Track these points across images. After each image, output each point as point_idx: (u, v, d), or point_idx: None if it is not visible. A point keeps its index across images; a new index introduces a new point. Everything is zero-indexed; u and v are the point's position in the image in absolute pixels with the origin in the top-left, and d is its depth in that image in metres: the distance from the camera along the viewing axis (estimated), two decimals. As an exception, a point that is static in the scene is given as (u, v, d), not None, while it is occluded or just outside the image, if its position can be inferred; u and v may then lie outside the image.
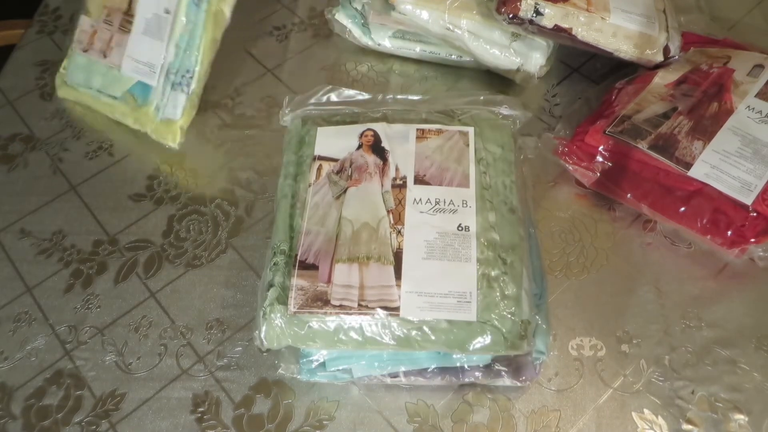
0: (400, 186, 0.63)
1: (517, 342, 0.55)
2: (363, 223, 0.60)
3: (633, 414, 0.60)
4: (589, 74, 0.85)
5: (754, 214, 0.64)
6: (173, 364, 0.65)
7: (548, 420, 0.60)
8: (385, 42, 0.87)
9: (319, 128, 0.68)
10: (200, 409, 0.62)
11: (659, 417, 0.59)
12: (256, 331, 0.57)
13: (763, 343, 0.63)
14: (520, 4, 0.73)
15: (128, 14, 0.80)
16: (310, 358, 0.60)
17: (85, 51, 0.82)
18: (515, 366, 0.59)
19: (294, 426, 0.61)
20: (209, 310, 0.68)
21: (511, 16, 0.74)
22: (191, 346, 0.66)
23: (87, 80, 0.82)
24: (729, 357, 0.62)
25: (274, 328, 0.56)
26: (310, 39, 0.93)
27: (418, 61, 0.89)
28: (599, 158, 0.71)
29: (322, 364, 0.60)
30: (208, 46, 0.77)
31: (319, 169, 0.65)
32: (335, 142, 0.67)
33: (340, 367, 0.60)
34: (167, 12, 0.77)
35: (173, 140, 0.79)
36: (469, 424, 0.60)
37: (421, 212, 0.61)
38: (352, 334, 0.56)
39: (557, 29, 0.75)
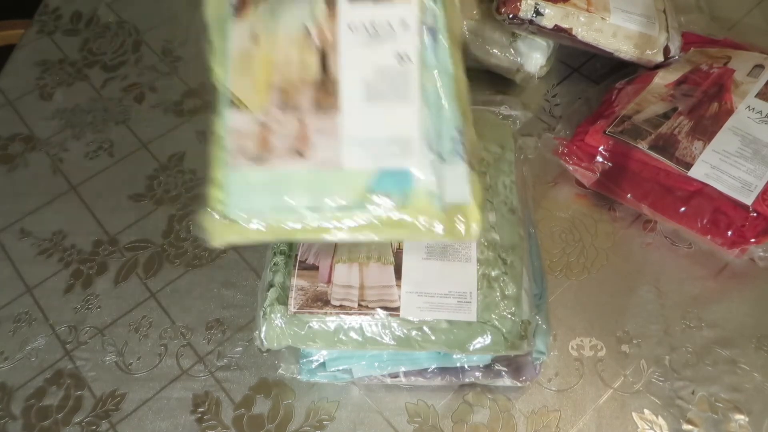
0: None
1: (517, 342, 0.55)
2: None
3: (633, 414, 0.60)
4: (589, 74, 0.85)
5: (755, 215, 0.64)
6: (173, 365, 0.65)
7: (548, 420, 0.60)
8: (385, 42, 0.87)
9: None
10: (200, 410, 0.62)
11: (659, 417, 0.59)
12: (256, 332, 0.57)
13: (763, 343, 0.63)
14: (520, 5, 0.73)
15: (325, 83, 0.52)
16: (310, 359, 0.60)
17: (259, 161, 0.52)
18: (515, 366, 0.59)
19: (294, 426, 0.61)
20: (209, 310, 0.68)
21: (511, 16, 0.74)
22: (191, 347, 0.66)
23: (276, 201, 0.52)
24: (729, 357, 0.62)
25: (274, 328, 0.56)
26: (310, 39, 0.93)
27: (418, 61, 0.88)
28: (599, 158, 0.71)
29: (322, 365, 0.60)
30: (463, 87, 0.53)
31: None
32: None
33: (340, 367, 0.60)
34: (404, 58, 0.51)
35: (473, 230, 0.51)
36: (469, 424, 0.60)
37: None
38: (352, 335, 0.56)
39: (557, 29, 0.75)
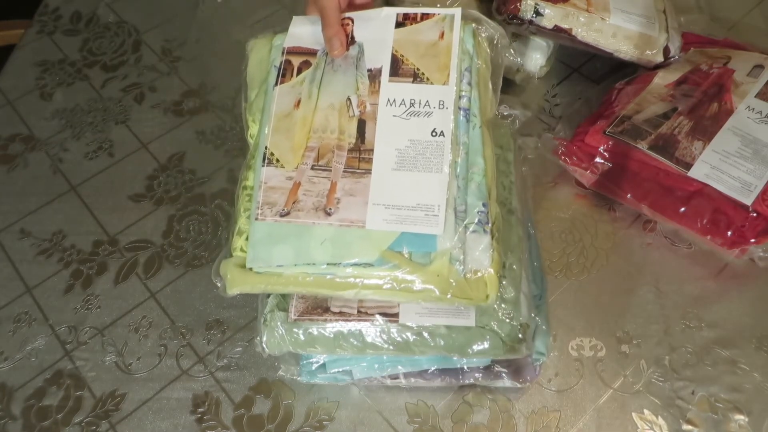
0: None
1: (515, 346, 0.55)
2: None
3: (633, 414, 0.60)
4: (589, 74, 0.85)
5: (754, 215, 0.64)
6: (173, 365, 0.65)
7: (548, 420, 0.60)
8: (385, 42, 0.87)
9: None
10: (200, 410, 0.62)
11: (659, 417, 0.59)
12: (258, 338, 0.57)
13: (763, 343, 0.63)
14: (520, 5, 0.73)
15: (361, 149, 0.55)
16: (311, 360, 0.60)
17: (285, 216, 0.54)
18: (515, 367, 0.59)
19: (294, 426, 0.61)
20: (209, 311, 0.68)
21: (511, 16, 0.74)
22: (191, 347, 0.66)
23: (297, 256, 0.53)
24: (729, 357, 0.62)
25: (274, 334, 0.56)
26: (310, 39, 0.93)
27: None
28: (599, 159, 0.71)
29: (323, 366, 0.60)
30: (490, 164, 0.56)
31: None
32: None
33: (341, 369, 0.60)
34: (438, 134, 0.54)
35: (488, 296, 0.52)
36: (469, 424, 0.60)
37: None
38: (352, 340, 0.55)
39: (557, 30, 0.75)
